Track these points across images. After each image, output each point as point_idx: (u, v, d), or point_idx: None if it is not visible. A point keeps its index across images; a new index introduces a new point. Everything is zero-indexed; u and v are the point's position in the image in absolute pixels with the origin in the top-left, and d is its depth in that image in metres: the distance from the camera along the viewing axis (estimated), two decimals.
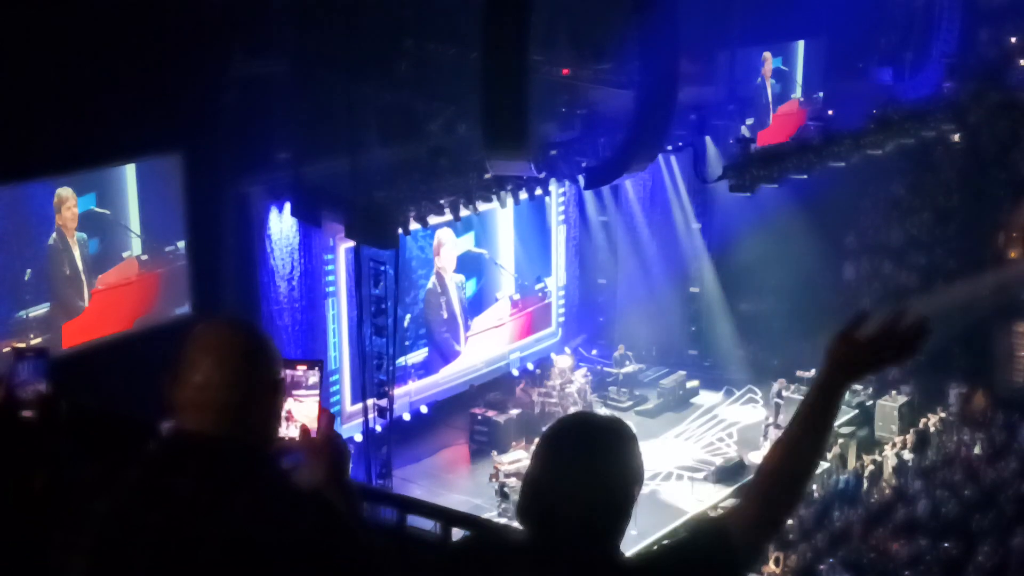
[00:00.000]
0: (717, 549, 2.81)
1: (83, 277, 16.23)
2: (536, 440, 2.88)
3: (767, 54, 24.48)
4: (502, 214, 22.35)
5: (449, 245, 22.02)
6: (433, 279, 22.04)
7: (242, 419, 2.81)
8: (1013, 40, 25.46)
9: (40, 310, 15.74)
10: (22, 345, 3.21)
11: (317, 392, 3.08)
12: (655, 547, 2.89)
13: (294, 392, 3.03)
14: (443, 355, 22.61)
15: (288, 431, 3.05)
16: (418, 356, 21.88)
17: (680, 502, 20.73)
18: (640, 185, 24.55)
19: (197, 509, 2.69)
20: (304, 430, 3.06)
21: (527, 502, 2.81)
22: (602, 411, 23.31)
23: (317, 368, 3.10)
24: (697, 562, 2.81)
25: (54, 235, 15.85)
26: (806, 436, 2.92)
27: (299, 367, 3.06)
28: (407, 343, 21.23)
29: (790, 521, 19.16)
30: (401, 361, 20.11)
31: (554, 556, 2.76)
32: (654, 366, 25.41)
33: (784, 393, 23.27)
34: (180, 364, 2.83)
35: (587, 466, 2.76)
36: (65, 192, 15.84)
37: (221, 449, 2.78)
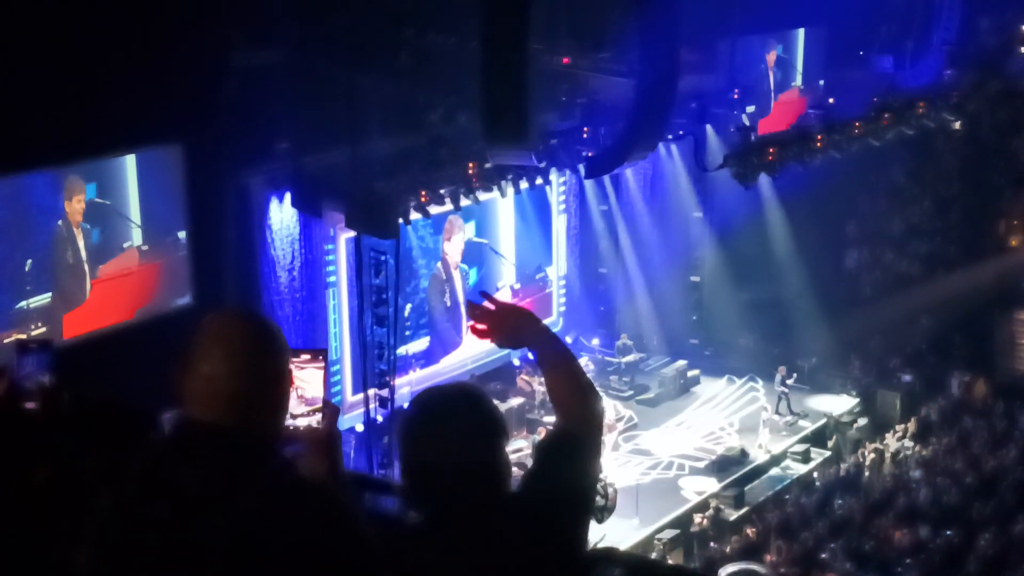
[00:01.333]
0: (569, 448, 3.02)
1: (85, 267, 16.22)
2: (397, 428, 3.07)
3: (773, 51, 24.45)
4: (503, 203, 22.34)
5: (459, 232, 22.04)
6: (439, 265, 22.05)
7: (250, 410, 2.82)
8: (1023, 28, 25.41)
9: (41, 300, 15.72)
10: (25, 337, 3.20)
11: (321, 381, 3.10)
12: (521, 480, 3.03)
13: (297, 382, 3.04)
14: (444, 345, 22.61)
15: (294, 420, 3.06)
16: (419, 345, 21.88)
17: (681, 491, 20.76)
18: (641, 174, 24.54)
19: (203, 500, 2.70)
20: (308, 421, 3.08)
21: (407, 485, 2.96)
22: (603, 399, 23.29)
23: (321, 357, 3.11)
24: (563, 467, 2.99)
25: (60, 223, 15.84)
26: (552, 360, 3.20)
27: (303, 356, 3.08)
28: (408, 333, 21.23)
29: (790, 509, 19.21)
30: (402, 351, 20.11)
31: (446, 526, 2.89)
32: (655, 355, 25.43)
33: (788, 382, 23.30)
34: (188, 354, 2.83)
35: (448, 431, 2.93)
36: (76, 183, 15.85)
37: (228, 440, 2.78)
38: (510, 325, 3.24)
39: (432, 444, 2.93)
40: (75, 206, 15.90)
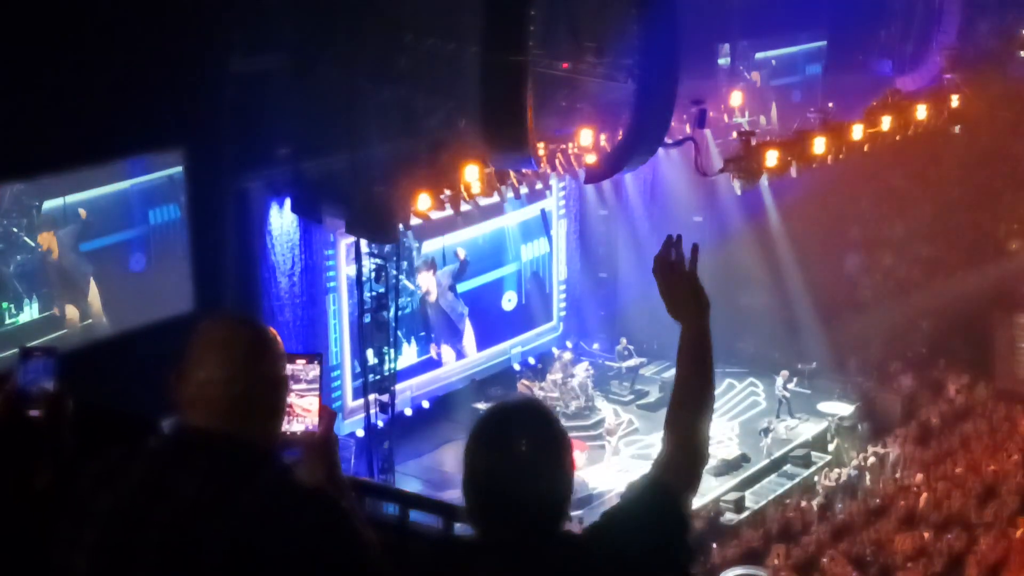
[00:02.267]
0: (661, 499, 2.93)
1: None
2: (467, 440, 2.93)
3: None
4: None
5: (427, 271, 22.11)
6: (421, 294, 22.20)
7: (246, 415, 2.82)
8: (1022, 31, 25.42)
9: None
10: (30, 344, 3.19)
11: (317, 386, 3.09)
12: (601, 516, 2.94)
13: (294, 386, 3.04)
14: (444, 350, 22.63)
15: (291, 425, 3.06)
16: (420, 351, 21.90)
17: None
18: (640, 179, 24.54)
19: (201, 506, 2.70)
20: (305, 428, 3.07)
21: (471, 502, 2.85)
22: (603, 404, 23.33)
23: (317, 361, 3.10)
24: (647, 516, 2.90)
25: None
26: (691, 374, 3.16)
27: (298, 361, 3.07)
28: (409, 338, 21.26)
29: (792, 514, 19.19)
30: (402, 356, 20.13)
31: (504, 547, 2.79)
32: (655, 360, 25.39)
33: (788, 386, 23.29)
34: (185, 360, 2.83)
35: (522, 455, 2.81)
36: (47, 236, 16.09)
37: (225, 446, 2.79)
38: (683, 295, 3.24)
39: (501, 459, 2.82)
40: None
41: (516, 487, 2.78)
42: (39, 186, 15.78)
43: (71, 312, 16.38)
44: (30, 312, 15.86)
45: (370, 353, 18.55)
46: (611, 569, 2.82)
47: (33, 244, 15.91)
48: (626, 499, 2.99)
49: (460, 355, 22.92)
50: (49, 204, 15.92)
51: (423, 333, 22.16)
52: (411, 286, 21.38)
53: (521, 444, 2.81)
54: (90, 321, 16.46)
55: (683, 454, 3.05)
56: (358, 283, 18.33)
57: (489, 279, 23.55)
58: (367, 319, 18.36)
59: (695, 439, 3.10)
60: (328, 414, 3.13)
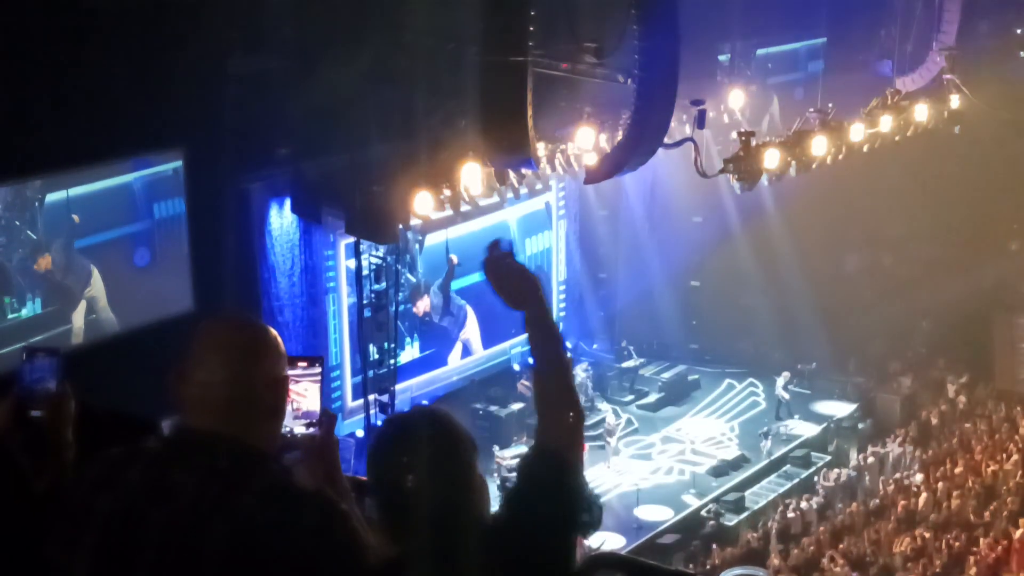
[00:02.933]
0: (549, 465, 2.93)
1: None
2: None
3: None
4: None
5: (426, 303, 22.20)
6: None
7: (246, 416, 2.82)
8: (1019, 31, 25.42)
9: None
10: (33, 345, 3.21)
11: (319, 388, 3.10)
12: (502, 501, 2.96)
13: (295, 388, 3.04)
14: (444, 350, 22.64)
15: (292, 428, 3.07)
16: (419, 351, 21.90)
17: (682, 495, 20.76)
18: (640, 179, 24.52)
19: (201, 506, 2.70)
20: (306, 428, 3.08)
21: (385, 524, 2.90)
22: (603, 405, 23.34)
23: (318, 364, 3.11)
24: (543, 486, 2.91)
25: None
26: (541, 342, 3.13)
27: (300, 364, 3.07)
28: (408, 338, 21.26)
29: (791, 515, 19.19)
30: (402, 355, 20.13)
31: (424, 554, 2.82)
32: (655, 360, 25.42)
33: (789, 387, 23.30)
34: (185, 361, 2.83)
35: (417, 458, 2.85)
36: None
37: (225, 446, 2.79)
38: (514, 283, 3.18)
39: (400, 471, 2.86)
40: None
41: (416, 494, 2.84)
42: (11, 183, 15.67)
43: (76, 307, 16.34)
44: (32, 307, 15.83)
45: (372, 349, 18.52)
46: (522, 545, 2.85)
47: (35, 238, 15.85)
48: (519, 476, 3.01)
49: (467, 351, 22.94)
50: (52, 197, 15.84)
51: (425, 334, 22.19)
52: (413, 279, 21.33)
53: (414, 450, 2.87)
54: (95, 316, 16.42)
55: (556, 415, 3.03)
56: (357, 281, 18.32)
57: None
58: (367, 315, 18.34)
59: (563, 397, 3.07)
60: (328, 417, 3.14)
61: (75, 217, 16.24)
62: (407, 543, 2.87)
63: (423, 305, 22.14)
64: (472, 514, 2.89)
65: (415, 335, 21.86)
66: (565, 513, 2.93)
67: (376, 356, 18.50)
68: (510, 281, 3.16)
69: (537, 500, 2.91)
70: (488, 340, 23.37)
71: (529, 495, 2.94)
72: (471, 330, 23.14)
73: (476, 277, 23.01)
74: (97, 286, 16.53)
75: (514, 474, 3.07)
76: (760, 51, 23.82)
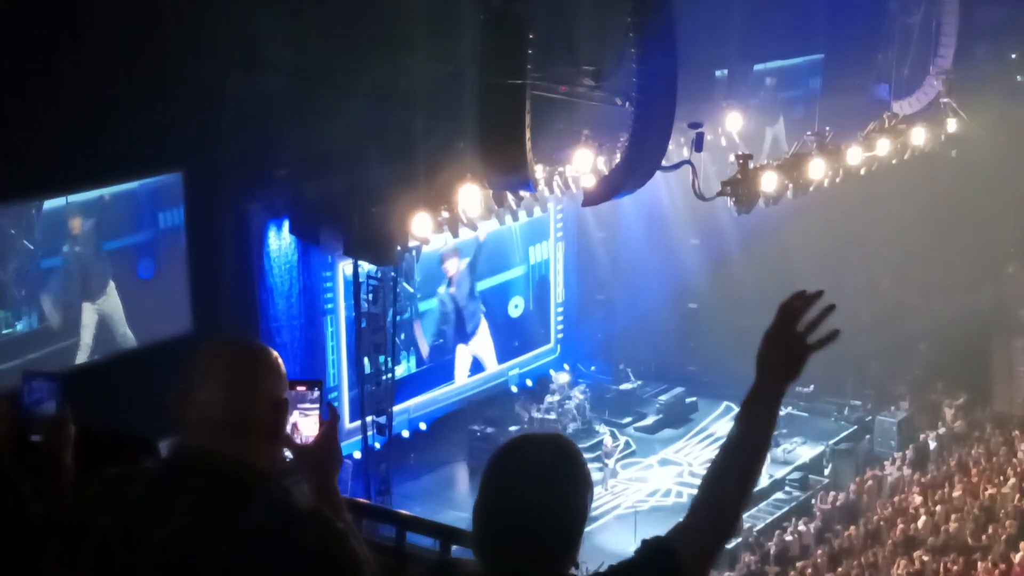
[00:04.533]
0: (665, 564, 2.83)
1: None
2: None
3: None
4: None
5: (455, 264, 22.20)
6: (444, 294, 22.19)
7: (245, 437, 2.82)
8: (1013, 56, 25.52)
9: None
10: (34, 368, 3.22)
11: (318, 411, 3.11)
12: (603, 569, 2.86)
13: (298, 410, 3.05)
14: (442, 372, 22.62)
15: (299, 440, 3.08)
16: (417, 373, 21.89)
17: (680, 518, 20.68)
18: (638, 202, 24.54)
19: (199, 526, 2.70)
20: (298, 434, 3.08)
21: (478, 531, 2.80)
22: (601, 428, 23.32)
23: (317, 388, 3.12)
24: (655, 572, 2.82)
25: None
26: (750, 439, 2.97)
27: (299, 388, 3.08)
28: (406, 360, 21.25)
29: (789, 537, 19.14)
30: (400, 376, 20.12)
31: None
32: (653, 382, 25.39)
33: (783, 412, 23.25)
34: (185, 381, 2.84)
35: (534, 491, 2.74)
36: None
37: (224, 467, 2.79)
38: (790, 346, 3.10)
39: (515, 493, 2.76)
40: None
41: (525, 521, 2.73)
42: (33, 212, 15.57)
43: (87, 316, 16.08)
44: (29, 322, 15.49)
45: (367, 375, 18.50)
46: None
47: (32, 248, 15.52)
48: (638, 553, 2.91)
49: (478, 367, 22.95)
50: (50, 204, 15.64)
51: (440, 341, 22.20)
52: (410, 288, 21.31)
53: (539, 479, 2.76)
54: (108, 333, 16.23)
55: (707, 521, 2.92)
56: (356, 304, 18.32)
57: (494, 283, 23.53)
58: (364, 340, 18.34)
59: (726, 508, 2.94)
60: (323, 426, 3.13)
61: (74, 225, 15.94)
62: (494, 561, 2.78)
63: (453, 267, 22.16)
64: (572, 559, 2.81)
65: (411, 349, 21.85)
66: None
67: (374, 378, 18.46)
68: (787, 349, 3.10)
69: None
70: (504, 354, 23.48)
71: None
72: (482, 342, 23.12)
73: (481, 286, 23.05)
74: (112, 299, 16.28)
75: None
76: (758, 66, 23.87)
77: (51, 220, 15.73)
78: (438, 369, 22.52)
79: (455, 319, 22.66)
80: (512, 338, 23.96)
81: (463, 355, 22.94)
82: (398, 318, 19.33)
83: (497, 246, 23.24)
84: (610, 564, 2.86)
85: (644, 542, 2.91)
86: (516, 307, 24.02)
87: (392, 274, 18.29)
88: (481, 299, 23.09)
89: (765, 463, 2.95)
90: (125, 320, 16.33)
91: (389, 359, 18.52)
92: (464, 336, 22.89)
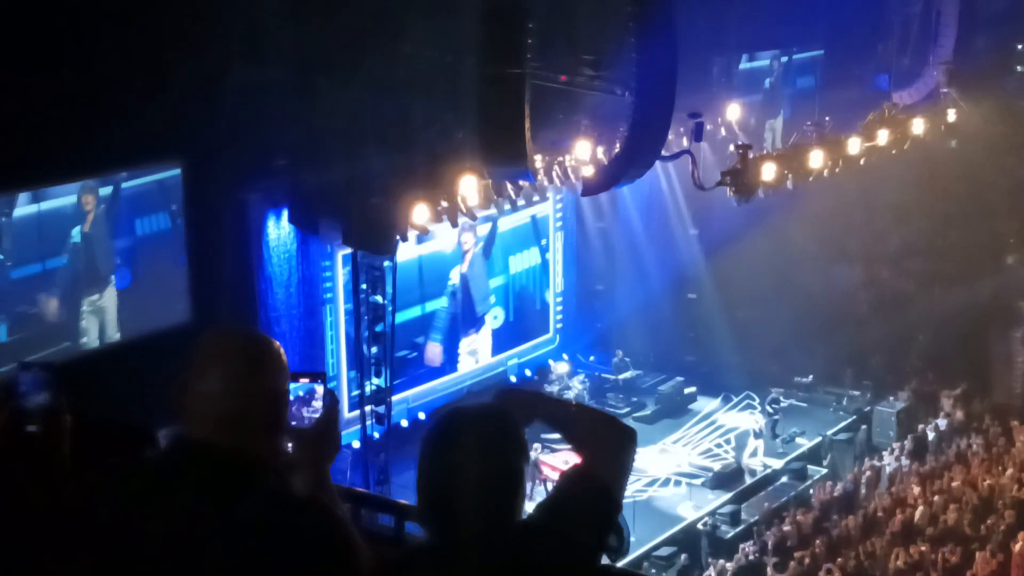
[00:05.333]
0: (590, 487, 2.98)
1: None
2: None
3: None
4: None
5: (470, 239, 22.33)
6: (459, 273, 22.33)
7: (245, 428, 2.82)
8: (1020, 47, 25.50)
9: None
10: (28, 360, 3.20)
11: (321, 404, 3.11)
12: (536, 508, 2.99)
13: (300, 400, 3.05)
14: (443, 360, 22.64)
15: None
16: (403, 354, 21.85)
17: (678, 508, 20.74)
18: (637, 191, 24.55)
19: (198, 517, 2.70)
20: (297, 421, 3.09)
21: (421, 504, 2.93)
22: None
23: (321, 381, 3.12)
24: (580, 505, 2.95)
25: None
26: (583, 434, 3.15)
27: (303, 380, 3.08)
28: (406, 350, 21.26)
29: (787, 527, 19.17)
30: (398, 366, 20.13)
31: (456, 548, 2.84)
32: (652, 372, 25.41)
33: (784, 403, 23.28)
34: (186, 372, 2.84)
35: (468, 458, 2.86)
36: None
37: (224, 458, 2.79)
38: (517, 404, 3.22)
39: (451, 463, 2.88)
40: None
41: (462, 489, 2.84)
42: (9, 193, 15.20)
43: (88, 322, 15.83)
44: None
45: (366, 364, 18.51)
46: (554, 552, 2.88)
47: (1, 257, 15.06)
48: (560, 486, 3.04)
49: (475, 356, 23.01)
50: (20, 212, 15.24)
51: (421, 345, 22.18)
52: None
53: (468, 445, 2.88)
54: (103, 335, 16.04)
55: (603, 446, 3.10)
56: (355, 294, 18.32)
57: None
58: (363, 330, 18.34)
59: (605, 434, 3.15)
60: (332, 399, 3.14)
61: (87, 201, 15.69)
62: (440, 531, 2.90)
63: (469, 241, 22.30)
64: (511, 517, 2.91)
65: (418, 348, 21.87)
66: (595, 532, 2.96)
67: (373, 368, 18.47)
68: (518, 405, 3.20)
69: (571, 514, 2.94)
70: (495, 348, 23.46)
71: (564, 507, 2.97)
72: (484, 336, 23.08)
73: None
74: (111, 299, 16.06)
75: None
76: (744, 65, 23.86)
77: (21, 228, 15.29)
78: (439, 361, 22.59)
79: (463, 307, 22.60)
80: (497, 342, 23.94)
81: (465, 348, 22.92)
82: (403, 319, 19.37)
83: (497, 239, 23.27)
84: (540, 503, 2.99)
85: (563, 473, 3.08)
86: (495, 318, 23.96)
87: (387, 263, 18.26)
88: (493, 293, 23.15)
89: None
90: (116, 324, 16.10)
91: (389, 349, 18.51)
92: (474, 322, 22.87)
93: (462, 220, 18.74)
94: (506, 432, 2.94)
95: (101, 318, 16.09)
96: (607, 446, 3.09)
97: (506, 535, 2.88)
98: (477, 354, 23.17)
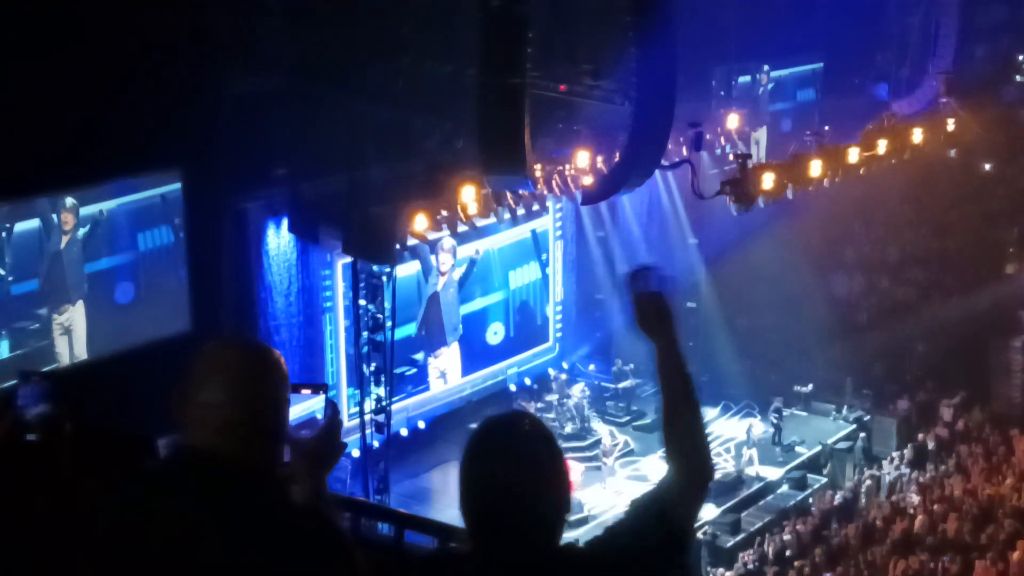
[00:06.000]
0: (658, 521, 2.95)
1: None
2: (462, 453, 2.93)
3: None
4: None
5: (448, 260, 22.13)
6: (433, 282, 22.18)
7: (246, 437, 2.83)
8: (1021, 58, 25.53)
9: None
10: (28, 370, 3.21)
11: (323, 416, 3.12)
12: (603, 531, 2.98)
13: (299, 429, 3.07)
14: (441, 370, 22.62)
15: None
16: (401, 371, 21.85)
17: None
18: (637, 200, 24.58)
19: (198, 526, 2.71)
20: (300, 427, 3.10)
21: (470, 516, 2.84)
22: (599, 426, 23.33)
23: (322, 392, 3.13)
24: (644, 538, 2.93)
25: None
26: (675, 396, 3.21)
27: (304, 391, 3.09)
28: (406, 360, 21.25)
29: (787, 536, 19.16)
30: (398, 375, 20.12)
31: (502, 561, 2.80)
32: (651, 381, 25.31)
33: (785, 412, 23.28)
34: (187, 381, 2.85)
35: (516, 471, 2.80)
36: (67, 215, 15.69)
37: (224, 467, 2.80)
38: (652, 311, 3.26)
39: (497, 472, 2.81)
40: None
41: (511, 500, 2.77)
42: (12, 206, 15.28)
43: (59, 342, 15.70)
44: None
45: (365, 373, 18.51)
46: None
47: (3, 272, 15.14)
48: (628, 515, 3.02)
49: (444, 378, 22.87)
50: (21, 226, 15.35)
51: (421, 355, 22.13)
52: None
53: (516, 457, 2.81)
54: (75, 355, 15.92)
55: (684, 470, 3.06)
56: (354, 303, 18.33)
57: (473, 308, 23.40)
58: (363, 339, 18.35)
59: (693, 452, 3.11)
60: (333, 409, 3.14)
61: (103, 210, 15.58)
62: (493, 552, 2.82)
63: (447, 262, 22.03)
64: (561, 532, 2.86)
65: (418, 357, 21.82)
66: (659, 570, 2.94)
67: (372, 377, 18.47)
68: (649, 305, 3.25)
69: (637, 548, 2.91)
70: (473, 366, 23.25)
71: (631, 539, 2.94)
72: (449, 360, 22.98)
73: (475, 306, 22.97)
74: (80, 322, 15.91)
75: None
76: (741, 79, 23.90)
77: (23, 244, 15.33)
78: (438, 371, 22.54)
79: (432, 325, 22.46)
80: (495, 357, 23.82)
81: (433, 366, 22.78)
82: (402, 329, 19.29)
83: (477, 271, 23.14)
84: (606, 526, 2.97)
85: (633, 500, 3.06)
86: (495, 334, 23.90)
87: (387, 271, 18.27)
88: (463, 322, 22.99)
89: (701, 407, 3.24)
90: (86, 347, 15.96)
91: (388, 358, 18.51)
92: (441, 342, 22.70)
93: (444, 239, 18.61)
94: (553, 443, 2.89)
95: (69, 337, 15.94)
96: (687, 476, 3.04)
97: (553, 555, 2.83)
98: (446, 375, 22.94)
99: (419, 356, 22.23)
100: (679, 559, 2.96)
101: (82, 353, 15.98)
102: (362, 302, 18.20)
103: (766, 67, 24.59)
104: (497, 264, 23.65)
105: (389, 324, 18.33)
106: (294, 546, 2.73)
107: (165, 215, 16.65)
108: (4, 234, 15.16)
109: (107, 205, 16.10)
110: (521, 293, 24.41)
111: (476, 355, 23.30)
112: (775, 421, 23.07)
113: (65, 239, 15.79)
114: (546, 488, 2.82)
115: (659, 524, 2.95)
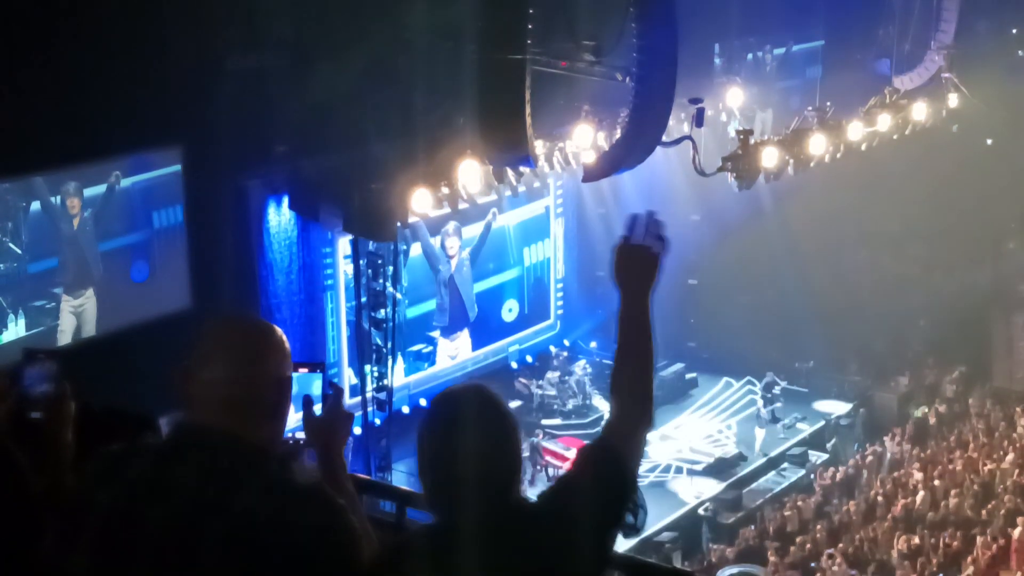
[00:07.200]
0: (608, 464, 3.04)
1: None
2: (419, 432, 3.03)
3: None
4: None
5: (455, 244, 22.15)
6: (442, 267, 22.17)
7: (248, 415, 2.83)
8: (1017, 31, 25.45)
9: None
10: (33, 348, 3.22)
11: (320, 394, 3.15)
12: (554, 482, 3.07)
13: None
14: (443, 347, 22.62)
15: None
16: (417, 348, 21.89)
17: (679, 493, 20.78)
18: (638, 177, 24.50)
19: (199, 503, 2.71)
20: (307, 404, 3.13)
21: (428, 485, 2.99)
22: (600, 403, 23.37)
23: (319, 370, 3.15)
24: (596, 481, 3.00)
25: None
26: (635, 344, 3.49)
27: (302, 369, 3.11)
28: (407, 336, 21.23)
29: (788, 512, 19.20)
30: (412, 360, 20.14)
31: (465, 525, 2.88)
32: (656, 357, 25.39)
33: (776, 390, 23.30)
34: (190, 358, 2.84)
35: (470, 438, 2.92)
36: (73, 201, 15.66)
37: (226, 443, 2.80)
38: (637, 264, 3.44)
39: (451, 443, 2.93)
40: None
41: (465, 465, 2.88)
42: (27, 184, 15.24)
43: (65, 322, 15.71)
44: (15, 329, 14.97)
45: (367, 351, 18.51)
46: (563, 531, 2.91)
47: (20, 251, 15.12)
48: (576, 463, 3.08)
49: (453, 355, 22.90)
50: (37, 205, 15.32)
51: (423, 331, 22.14)
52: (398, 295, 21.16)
53: (467, 425, 2.93)
54: (82, 337, 15.84)
55: (628, 412, 3.20)
56: (356, 280, 18.32)
57: (488, 285, 23.42)
58: (364, 317, 18.34)
59: (638, 395, 3.30)
60: (336, 391, 3.18)
61: (115, 175, 15.50)
62: (447, 512, 2.94)
63: (454, 246, 22.10)
64: (516, 492, 2.96)
65: (419, 334, 21.82)
66: (612, 509, 3.00)
67: (374, 354, 18.48)
68: (635, 258, 3.47)
69: (588, 490, 2.98)
70: (483, 341, 23.31)
71: (581, 484, 3.01)
72: (462, 342, 23.02)
73: (476, 288, 22.97)
74: (91, 303, 15.93)
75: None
76: (750, 55, 23.80)
77: (38, 222, 15.24)
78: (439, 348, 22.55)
79: (451, 311, 22.48)
80: (508, 331, 23.86)
81: (444, 347, 22.80)
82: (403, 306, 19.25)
83: (491, 248, 23.13)
84: (557, 476, 3.10)
85: (580, 449, 3.13)
86: (510, 311, 23.92)
87: (392, 248, 18.25)
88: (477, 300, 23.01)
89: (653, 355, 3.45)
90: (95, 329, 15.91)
91: (389, 335, 18.51)
92: (462, 325, 22.73)
93: (447, 224, 18.61)
94: (501, 411, 3.00)
95: (80, 316, 15.91)
96: (631, 420, 3.18)
97: (508, 511, 2.91)
98: (456, 356, 22.99)
99: (435, 334, 22.24)
100: (630, 496, 3.04)
101: (91, 332, 15.96)
102: (364, 279, 18.19)
103: (768, 45, 24.48)
104: (512, 240, 23.65)
105: (402, 299, 18.31)
106: (295, 523, 2.73)
107: (179, 193, 16.61)
108: (21, 213, 15.14)
109: (123, 183, 15.96)
110: (536, 270, 24.41)
111: (492, 331, 23.33)
112: (768, 396, 23.09)
113: (76, 221, 15.74)
114: (496, 450, 2.93)
115: (606, 466, 3.03)
